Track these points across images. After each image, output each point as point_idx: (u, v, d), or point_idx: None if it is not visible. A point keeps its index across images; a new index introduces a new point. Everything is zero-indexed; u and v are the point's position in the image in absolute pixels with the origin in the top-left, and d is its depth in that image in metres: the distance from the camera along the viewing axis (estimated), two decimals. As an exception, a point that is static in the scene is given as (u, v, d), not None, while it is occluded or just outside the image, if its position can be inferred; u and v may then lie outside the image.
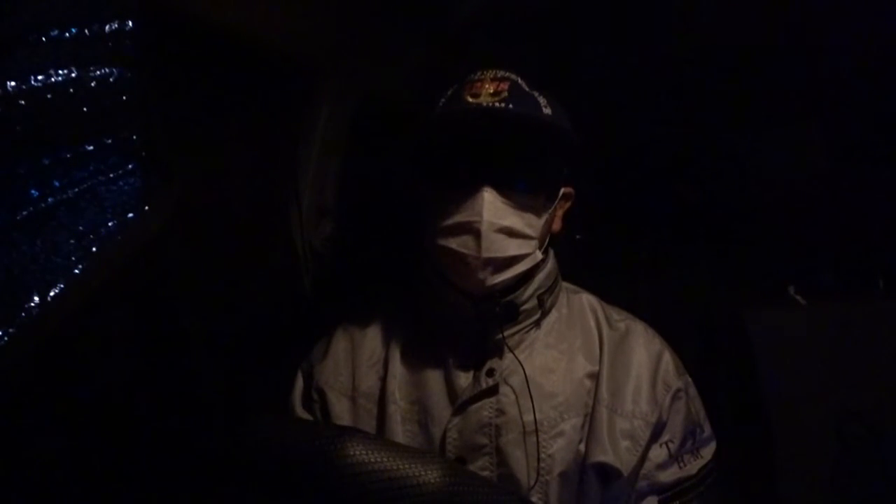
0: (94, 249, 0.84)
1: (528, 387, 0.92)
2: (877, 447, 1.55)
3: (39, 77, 0.81)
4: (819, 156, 1.90)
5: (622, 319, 1.02)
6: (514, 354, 0.94)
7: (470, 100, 0.91)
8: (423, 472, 0.76)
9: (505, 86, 0.92)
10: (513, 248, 0.92)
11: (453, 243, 0.91)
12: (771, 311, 1.74)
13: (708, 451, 0.98)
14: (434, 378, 0.95)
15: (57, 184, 0.84)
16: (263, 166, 1.28)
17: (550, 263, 1.01)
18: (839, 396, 1.60)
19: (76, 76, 0.84)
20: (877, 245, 1.84)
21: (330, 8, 1.15)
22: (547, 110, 0.93)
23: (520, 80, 0.94)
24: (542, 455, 0.90)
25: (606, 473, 0.91)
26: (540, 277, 0.98)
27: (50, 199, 0.83)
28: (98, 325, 0.96)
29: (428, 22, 1.31)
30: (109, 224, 0.87)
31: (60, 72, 0.82)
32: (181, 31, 0.99)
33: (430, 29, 1.32)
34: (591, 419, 0.93)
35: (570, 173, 1.02)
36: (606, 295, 1.09)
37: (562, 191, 1.01)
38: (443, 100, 0.97)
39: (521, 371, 0.93)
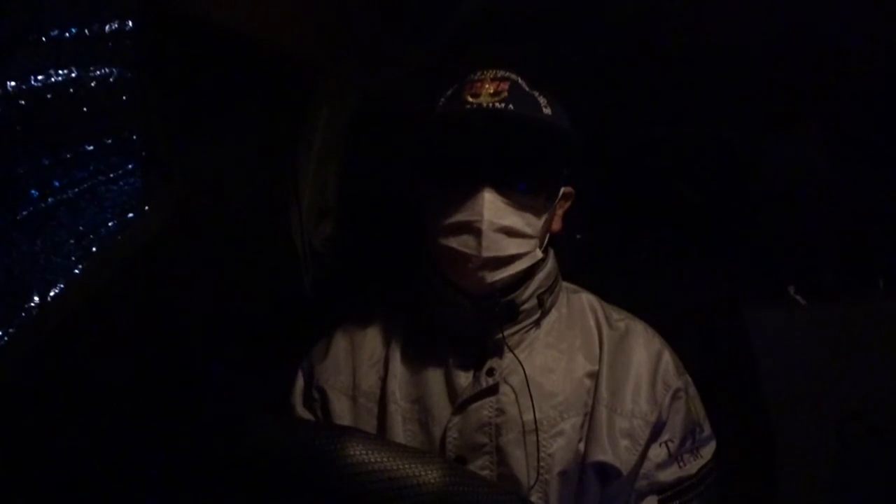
0: (94, 249, 0.85)
1: (528, 386, 0.92)
2: (877, 447, 1.55)
3: (39, 77, 0.81)
4: (819, 156, 1.89)
5: (622, 319, 1.03)
6: (513, 354, 0.95)
7: (470, 100, 0.91)
8: (423, 472, 0.76)
9: (505, 86, 0.92)
10: (513, 247, 0.92)
11: (454, 243, 0.91)
12: (771, 311, 1.74)
13: (708, 451, 0.98)
14: (434, 377, 0.95)
15: (57, 184, 0.84)
16: (263, 166, 1.28)
17: (550, 263, 1.01)
18: (839, 396, 1.59)
19: (76, 76, 0.84)
20: (877, 245, 1.84)
21: (330, 8, 1.15)
22: (547, 110, 0.94)
23: (520, 80, 0.94)
24: (542, 454, 0.90)
25: (606, 473, 0.91)
26: (540, 277, 0.98)
27: (50, 199, 0.83)
28: (98, 325, 0.96)
29: (428, 22, 1.31)
30: (109, 224, 0.87)
31: (60, 72, 0.82)
32: (181, 31, 0.99)
33: (429, 29, 1.32)
34: (590, 418, 0.93)
35: (570, 173, 1.02)
36: (606, 295, 1.09)
37: (562, 190, 1.01)
38: (443, 100, 0.98)
39: (521, 370, 0.93)
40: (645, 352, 0.98)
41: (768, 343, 1.66)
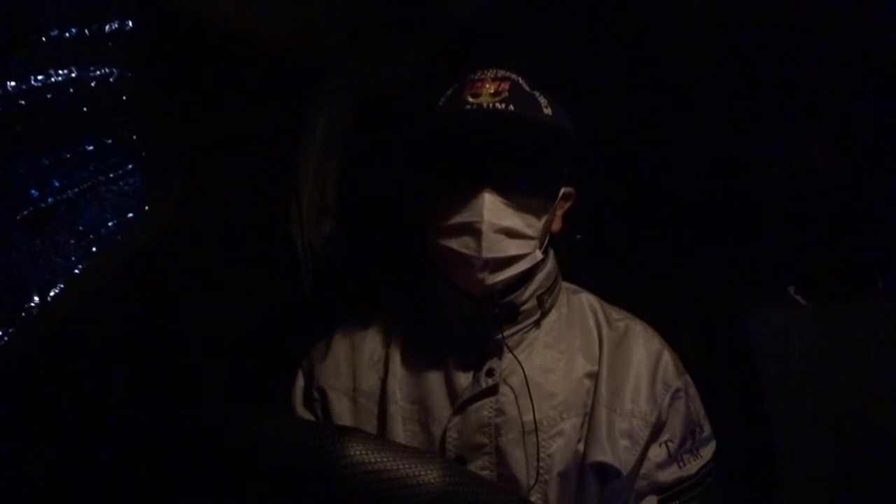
0: (94, 249, 0.85)
1: (528, 386, 0.92)
2: (877, 447, 1.55)
3: (39, 77, 0.81)
4: (819, 156, 1.89)
5: (622, 319, 1.02)
6: (513, 354, 0.95)
7: (470, 100, 0.91)
8: (423, 472, 0.76)
9: (505, 86, 0.92)
10: (513, 248, 0.92)
11: (454, 243, 0.91)
12: (771, 311, 1.73)
13: (707, 451, 0.98)
14: (434, 378, 0.95)
15: (57, 184, 0.84)
16: (263, 166, 1.28)
17: (550, 263, 1.01)
18: (839, 396, 1.59)
19: (76, 76, 0.84)
20: (877, 245, 1.84)
21: (329, 8, 1.15)
22: (547, 110, 0.93)
23: (520, 80, 0.94)
24: (542, 455, 0.90)
25: (605, 473, 0.91)
26: (540, 277, 0.98)
27: (50, 199, 0.83)
28: (98, 325, 0.96)
29: (428, 22, 1.31)
30: (109, 224, 0.87)
31: (60, 72, 0.82)
32: (181, 31, 0.99)
33: (430, 29, 1.32)
34: (590, 419, 0.93)
35: (571, 173, 1.02)
36: (606, 295, 1.09)
37: (562, 191, 1.00)
38: (443, 100, 0.97)
39: (521, 371, 0.93)
40: (645, 352, 0.98)
41: (768, 343, 1.66)
